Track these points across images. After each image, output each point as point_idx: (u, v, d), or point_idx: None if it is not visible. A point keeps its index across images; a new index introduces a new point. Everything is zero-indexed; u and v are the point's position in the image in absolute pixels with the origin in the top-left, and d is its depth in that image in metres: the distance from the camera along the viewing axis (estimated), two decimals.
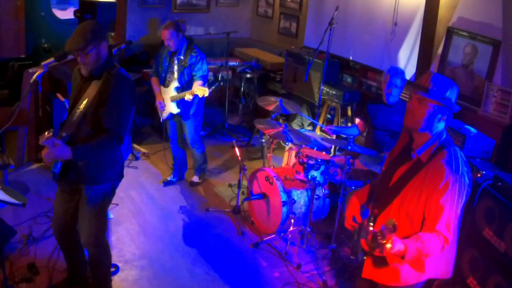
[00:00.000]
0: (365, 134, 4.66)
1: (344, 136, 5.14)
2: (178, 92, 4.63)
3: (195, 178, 5.15)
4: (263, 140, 4.76)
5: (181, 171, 5.19)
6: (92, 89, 2.85)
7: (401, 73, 4.09)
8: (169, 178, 5.15)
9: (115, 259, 3.78)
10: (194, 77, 4.60)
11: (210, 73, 6.65)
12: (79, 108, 2.86)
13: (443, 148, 2.22)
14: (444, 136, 2.27)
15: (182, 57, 4.62)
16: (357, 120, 4.59)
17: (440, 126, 2.26)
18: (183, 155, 5.11)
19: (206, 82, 4.69)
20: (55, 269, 3.61)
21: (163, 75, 4.72)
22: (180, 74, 4.63)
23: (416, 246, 2.14)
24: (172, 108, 4.71)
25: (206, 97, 4.54)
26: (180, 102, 4.65)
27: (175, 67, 4.65)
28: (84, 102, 2.85)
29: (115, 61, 3.08)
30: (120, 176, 3.11)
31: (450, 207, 2.15)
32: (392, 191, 2.32)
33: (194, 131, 4.86)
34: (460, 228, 3.37)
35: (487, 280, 3.12)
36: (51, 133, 2.71)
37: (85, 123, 2.85)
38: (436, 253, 2.19)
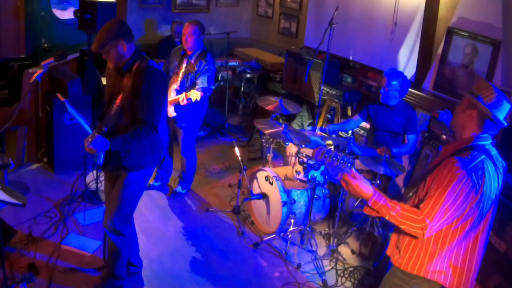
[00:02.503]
0: (365, 134, 4.66)
1: (344, 135, 5.15)
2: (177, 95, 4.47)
3: (178, 188, 4.93)
4: (263, 140, 4.76)
5: (161, 175, 4.98)
6: (126, 83, 3.02)
7: (399, 74, 4.08)
8: (151, 182, 4.97)
9: None
10: (196, 87, 4.39)
11: None
12: (115, 103, 3.05)
13: (470, 150, 2.19)
14: (482, 144, 2.21)
15: (192, 61, 4.45)
16: (355, 116, 4.59)
17: (475, 129, 2.23)
18: (167, 160, 4.91)
19: (206, 95, 4.46)
20: (55, 269, 3.61)
21: (170, 74, 4.57)
22: (184, 77, 4.47)
23: (385, 201, 2.17)
24: (169, 110, 4.53)
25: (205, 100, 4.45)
26: (177, 107, 4.48)
27: (182, 69, 4.50)
28: (120, 96, 3.03)
29: (166, 58, 3.19)
30: (157, 161, 3.27)
31: (438, 197, 2.11)
32: (420, 179, 2.36)
33: (187, 140, 4.68)
34: None
35: (487, 280, 3.12)
36: (95, 135, 2.88)
37: (122, 116, 3.02)
38: (407, 224, 2.14)
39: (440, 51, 4.74)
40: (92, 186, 4.71)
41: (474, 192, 2.11)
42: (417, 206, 2.23)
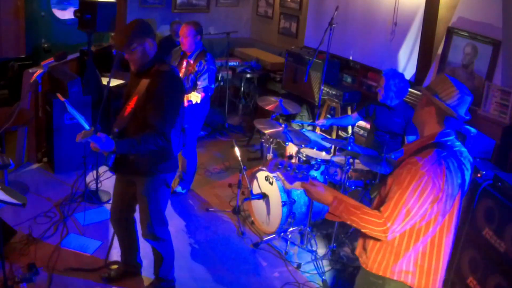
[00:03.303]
0: (366, 134, 4.66)
1: (343, 135, 5.14)
2: None
3: (178, 188, 4.93)
4: (263, 140, 4.76)
5: None
6: (142, 86, 2.94)
7: (396, 76, 4.06)
8: None
9: (114, 259, 3.79)
10: (197, 87, 4.41)
11: None
12: (129, 105, 2.97)
13: (431, 148, 2.14)
14: (444, 140, 2.16)
15: (191, 61, 4.46)
16: (354, 113, 4.60)
17: (435, 125, 2.19)
18: None
19: (207, 95, 4.49)
20: (55, 269, 3.62)
21: None
22: (184, 79, 4.45)
23: (346, 206, 2.16)
24: None
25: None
26: None
27: (183, 70, 4.50)
28: (134, 98, 2.95)
29: (167, 58, 3.12)
30: (174, 169, 3.18)
31: (398, 199, 2.06)
32: (383, 180, 2.33)
33: (188, 140, 4.68)
34: (460, 228, 3.38)
35: (487, 280, 3.12)
36: (91, 131, 2.76)
37: (135, 119, 2.95)
38: (368, 227, 2.11)
39: (440, 51, 4.74)
40: (92, 186, 4.71)
41: (435, 192, 2.07)
42: (379, 207, 2.19)
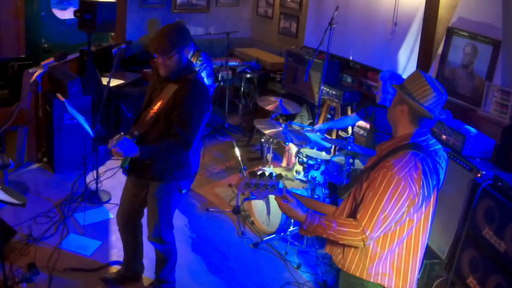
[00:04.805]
0: (366, 134, 4.66)
1: (343, 135, 5.13)
2: None
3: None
4: (263, 140, 4.76)
5: None
6: (168, 92, 2.89)
7: (395, 77, 4.04)
8: None
9: (114, 259, 3.79)
10: None
11: None
12: (153, 109, 2.92)
13: (405, 149, 2.08)
14: (418, 141, 2.11)
15: None
16: (353, 114, 4.60)
17: (408, 125, 2.13)
18: None
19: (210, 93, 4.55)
20: (55, 269, 3.62)
21: None
22: None
23: (319, 221, 2.09)
24: None
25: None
26: None
27: None
28: (159, 103, 2.90)
29: (193, 64, 3.09)
30: (188, 176, 3.18)
31: (376, 206, 2.02)
32: (355, 179, 2.29)
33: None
34: (460, 228, 3.38)
35: (487, 280, 3.12)
36: (122, 136, 2.71)
37: (157, 124, 2.91)
38: (346, 239, 2.07)
39: (440, 51, 4.74)
40: (92, 186, 4.71)
41: (411, 197, 2.03)
42: (354, 211, 2.16)
